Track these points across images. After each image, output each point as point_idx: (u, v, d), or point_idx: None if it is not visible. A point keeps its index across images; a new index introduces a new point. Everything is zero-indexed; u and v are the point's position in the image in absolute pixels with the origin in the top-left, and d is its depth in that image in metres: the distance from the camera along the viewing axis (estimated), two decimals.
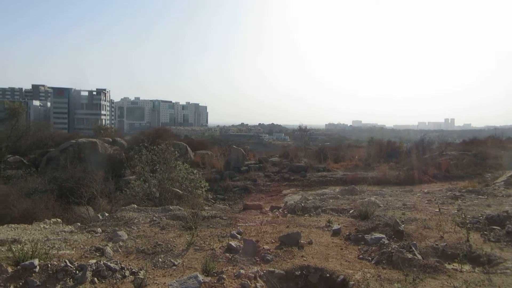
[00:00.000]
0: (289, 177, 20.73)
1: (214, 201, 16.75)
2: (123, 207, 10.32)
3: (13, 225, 8.13)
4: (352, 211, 10.30)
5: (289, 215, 10.27)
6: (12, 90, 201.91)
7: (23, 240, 6.74)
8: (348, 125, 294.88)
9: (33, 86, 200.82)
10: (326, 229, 8.40)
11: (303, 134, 33.94)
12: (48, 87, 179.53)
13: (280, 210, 11.74)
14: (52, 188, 15.70)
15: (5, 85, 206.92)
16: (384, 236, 7.45)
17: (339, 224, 8.67)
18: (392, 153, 25.31)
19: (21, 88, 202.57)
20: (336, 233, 8.00)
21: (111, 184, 14.72)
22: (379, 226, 8.21)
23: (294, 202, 12.75)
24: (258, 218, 9.98)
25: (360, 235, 7.60)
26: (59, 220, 9.28)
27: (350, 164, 23.77)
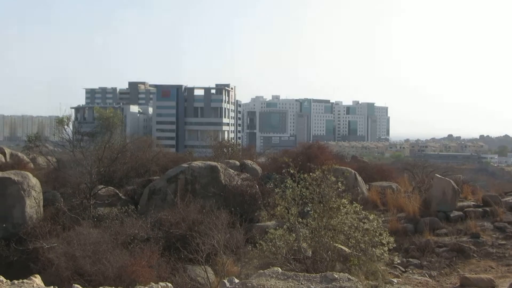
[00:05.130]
0: None
1: (404, 269, 16.53)
2: (261, 271, 10.81)
3: None
4: None
5: None
6: (103, 91, 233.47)
7: None
8: None
9: (130, 84, 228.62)
10: None
11: None
12: (150, 85, 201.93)
13: None
14: (156, 236, 17.38)
15: (95, 85, 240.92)
16: None
17: None
18: None
19: (115, 88, 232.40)
20: None
21: (240, 233, 15.64)
22: None
23: None
24: None
25: None
26: (169, 285, 10.27)
27: None
